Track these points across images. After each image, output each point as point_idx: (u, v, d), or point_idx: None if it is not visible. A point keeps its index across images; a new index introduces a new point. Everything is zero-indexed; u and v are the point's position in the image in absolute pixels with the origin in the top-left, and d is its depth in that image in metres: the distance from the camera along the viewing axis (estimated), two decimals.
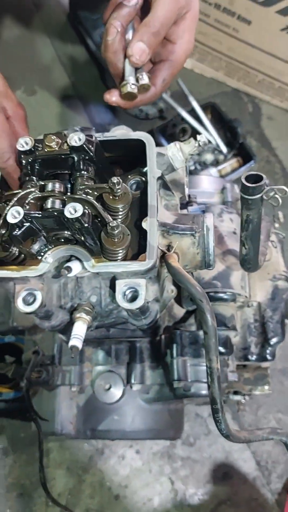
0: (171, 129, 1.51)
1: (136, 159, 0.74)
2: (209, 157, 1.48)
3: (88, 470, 1.20)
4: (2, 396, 1.11)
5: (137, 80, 0.83)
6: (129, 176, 0.72)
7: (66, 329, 0.78)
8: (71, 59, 1.74)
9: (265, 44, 1.47)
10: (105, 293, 0.70)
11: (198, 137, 0.70)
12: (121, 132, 0.73)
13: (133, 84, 0.82)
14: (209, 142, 1.48)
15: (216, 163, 1.49)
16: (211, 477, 1.23)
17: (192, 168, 1.49)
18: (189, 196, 0.91)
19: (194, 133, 1.51)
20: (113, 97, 0.84)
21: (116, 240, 0.60)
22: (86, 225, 0.56)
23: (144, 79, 0.83)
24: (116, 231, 0.58)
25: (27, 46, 1.75)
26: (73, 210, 0.56)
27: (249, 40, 1.49)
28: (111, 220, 0.58)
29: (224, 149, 1.49)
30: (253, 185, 0.57)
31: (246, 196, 0.58)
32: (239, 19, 1.43)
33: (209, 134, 1.49)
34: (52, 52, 1.74)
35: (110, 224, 0.57)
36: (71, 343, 0.67)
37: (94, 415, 0.86)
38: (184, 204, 0.85)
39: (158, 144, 1.51)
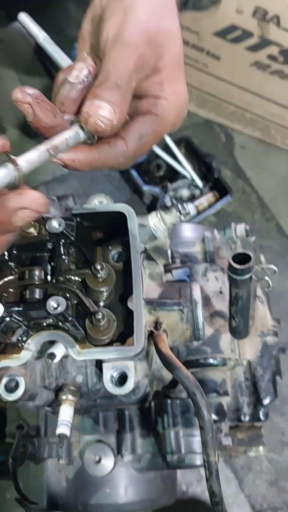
0: (146, 166, 1.49)
1: (117, 227, 0.71)
2: (185, 192, 1.47)
3: None
4: None
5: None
6: (110, 247, 0.69)
7: (51, 404, 0.74)
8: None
9: (235, 78, 1.48)
10: (91, 372, 0.67)
11: (180, 207, 0.68)
12: (100, 201, 0.71)
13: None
14: (184, 177, 1.47)
15: (192, 197, 1.48)
16: None
17: (169, 204, 1.47)
18: (171, 251, 0.89)
19: (169, 168, 1.50)
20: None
21: (102, 328, 0.57)
22: (70, 318, 0.53)
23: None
24: (103, 322, 0.55)
25: None
26: (55, 304, 0.53)
27: (218, 74, 1.49)
28: (96, 309, 0.55)
29: (199, 183, 1.48)
30: (242, 267, 0.55)
31: (235, 276, 0.56)
32: (208, 55, 1.43)
33: (184, 169, 1.48)
34: None
35: (96, 316, 0.54)
36: (58, 430, 0.64)
37: (85, 488, 0.82)
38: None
39: (133, 181, 1.49)
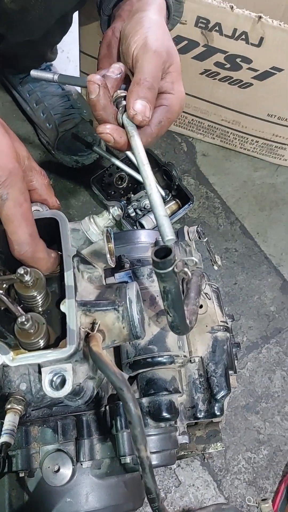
0: (108, 178, 1.51)
1: (55, 234, 0.73)
2: (148, 202, 1.49)
3: None
4: None
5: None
6: None
7: (4, 416, 0.74)
8: (3, 116, 1.74)
9: (188, 88, 1.49)
10: (34, 379, 0.68)
11: (112, 210, 0.69)
12: (36, 210, 0.72)
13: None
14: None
15: None
16: None
17: (133, 214, 1.49)
18: (120, 257, 0.90)
19: (132, 180, 1.52)
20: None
21: (31, 331, 0.58)
22: None
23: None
24: (28, 325, 0.56)
25: None
26: None
27: None
28: (21, 313, 0.56)
29: (162, 192, 1.50)
30: (161, 260, 0.56)
31: (158, 270, 0.58)
32: None
33: None
34: None
35: (19, 319, 0.55)
36: (2, 439, 0.64)
37: (46, 500, 0.81)
38: (116, 269, 0.84)
39: (96, 196, 1.51)
